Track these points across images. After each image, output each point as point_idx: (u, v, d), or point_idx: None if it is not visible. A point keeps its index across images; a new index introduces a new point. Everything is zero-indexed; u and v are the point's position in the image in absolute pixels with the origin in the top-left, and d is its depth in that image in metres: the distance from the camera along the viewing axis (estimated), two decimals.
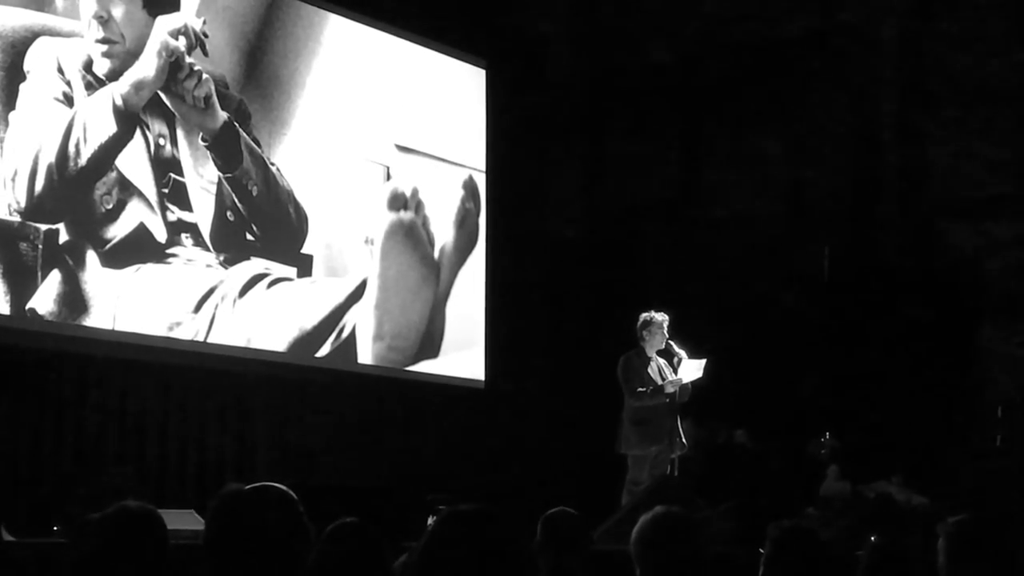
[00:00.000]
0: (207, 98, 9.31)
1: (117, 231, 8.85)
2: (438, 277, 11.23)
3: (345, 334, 10.33)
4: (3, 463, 8.37)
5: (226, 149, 9.51)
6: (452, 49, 11.72)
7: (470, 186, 11.68)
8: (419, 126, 11.24)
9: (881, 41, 12.68)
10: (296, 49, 10.32)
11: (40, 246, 8.42)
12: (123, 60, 8.93)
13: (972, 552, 3.57)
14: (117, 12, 8.90)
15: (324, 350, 10.17)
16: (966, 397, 12.01)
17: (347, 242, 10.51)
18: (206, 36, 9.35)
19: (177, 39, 9.13)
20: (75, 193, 8.64)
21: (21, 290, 8.34)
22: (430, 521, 7.60)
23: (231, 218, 9.56)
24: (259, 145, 9.81)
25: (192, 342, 9.25)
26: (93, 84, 8.76)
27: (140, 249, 8.96)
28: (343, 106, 10.61)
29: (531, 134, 12.84)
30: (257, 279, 9.72)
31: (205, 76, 9.30)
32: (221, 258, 9.49)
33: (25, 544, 6.62)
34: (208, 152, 9.40)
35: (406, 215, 10.95)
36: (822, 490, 11.08)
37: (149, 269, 9.01)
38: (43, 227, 8.46)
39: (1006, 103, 12.12)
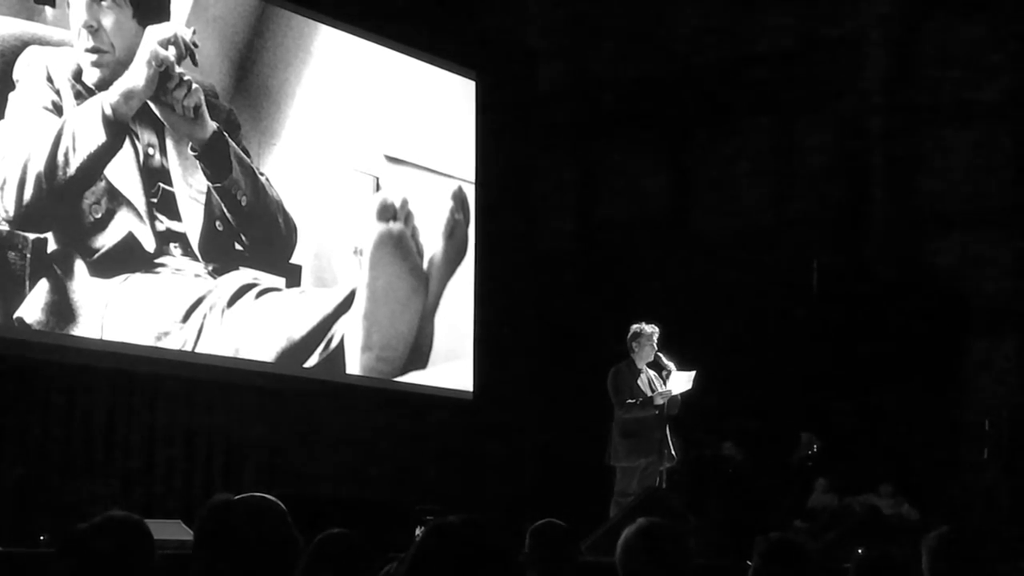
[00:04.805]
0: (197, 108, 9.31)
1: (105, 240, 8.83)
2: (427, 288, 11.22)
3: (333, 344, 10.32)
4: None
5: (215, 159, 9.50)
6: (442, 60, 11.74)
7: (459, 197, 11.69)
8: (408, 137, 11.25)
9: (869, 55, 12.73)
10: (286, 59, 10.32)
11: (28, 255, 8.41)
12: (113, 69, 8.92)
13: (954, 565, 3.57)
14: (107, 21, 8.89)
15: (312, 360, 10.16)
16: (953, 410, 12.04)
17: (336, 252, 10.50)
18: (196, 46, 9.35)
19: (167, 49, 9.13)
20: (64, 202, 8.63)
21: (9, 299, 8.32)
22: (418, 532, 7.60)
23: (220, 228, 9.55)
24: (248, 155, 9.81)
25: (180, 352, 9.23)
26: (82, 93, 8.75)
27: (128, 258, 8.95)
28: (333, 116, 10.61)
29: (520, 145, 12.85)
30: (246, 289, 9.71)
31: (195, 86, 9.30)
32: (210, 268, 9.47)
33: (11, 554, 6.59)
34: (197, 162, 9.39)
35: (395, 226, 10.94)
36: (810, 502, 11.10)
37: (137, 278, 9.00)
38: (31, 236, 8.45)
39: (994, 118, 12.16)
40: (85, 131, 8.72)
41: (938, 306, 12.17)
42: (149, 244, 9.08)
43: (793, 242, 12.75)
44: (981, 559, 3.55)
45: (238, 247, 9.70)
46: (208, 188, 9.47)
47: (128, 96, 8.95)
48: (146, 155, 9.10)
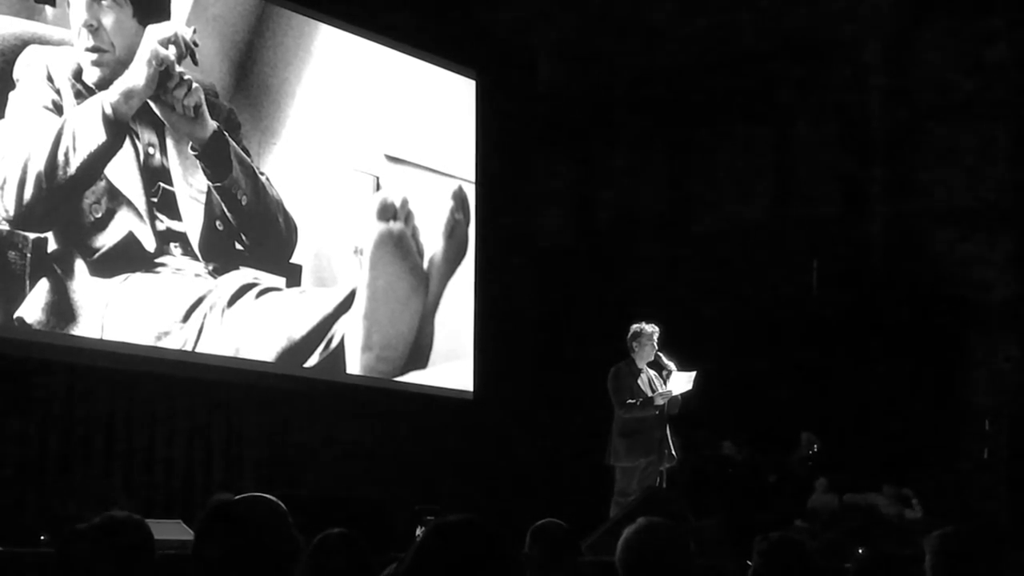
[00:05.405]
0: (197, 107, 9.30)
1: (106, 240, 8.83)
2: (427, 288, 11.22)
3: (334, 344, 10.32)
4: None
5: (215, 158, 9.50)
6: (442, 59, 11.74)
7: (460, 197, 11.69)
8: (409, 136, 11.25)
9: (868, 53, 12.73)
10: (286, 59, 10.32)
11: (29, 255, 8.40)
12: (113, 69, 8.92)
13: (957, 566, 3.57)
14: (107, 21, 8.89)
15: (312, 360, 10.16)
16: (954, 410, 12.04)
17: (336, 252, 10.50)
18: (196, 45, 9.34)
19: (167, 48, 9.13)
20: (64, 202, 8.63)
21: (9, 299, 8.32)
22: (419, 532, 7.60)
23: (220, 227, 9.55)
24: (249, 154, 9.81)
25: (180, 351, 9.23)
26: (83, 92, 8.74)
27: (129, 258, 8.94)
28: (333, 116, 10.61)
29: (521, 145, 12.85)
30: (246, 289, 9.71)
31: (195, 85, 9.30)
32: (210, 267, 9.47)
33: (11, 553, 6.59)
34: (197, 161, 9.39)
35: (395, 225, 10.94)
36: (810, 502, 11.09)
37: (138, 278, 9.00)
38: (32, 235, 8.44)
39: (993, 115, 12.16)
40: (85, 130, 8.71)
41: (938, 306, 12.17)
42: (149, 244, 9.07)
43: (793, 242, 12.75)
44: (984, 559, 3.55)
45: (238, 247, 9.70)
46: (208, 187, 9.47)
47: (128, 95, 8.95)
48: (146, 154, 9.10)
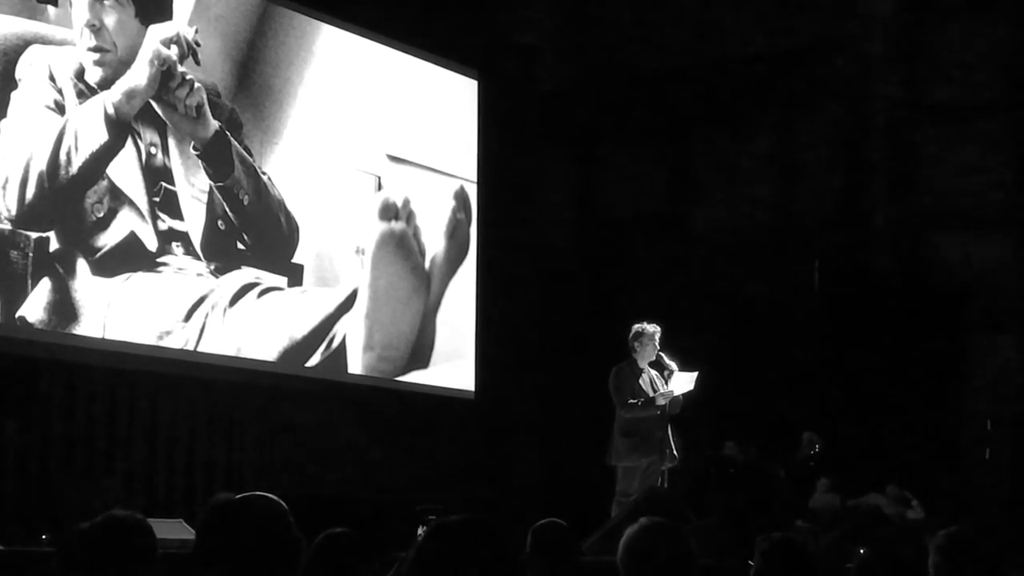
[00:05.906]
0: (199, 107, 9.31)
1: (108, 239, 8.84)
2: (429, 287, 11.23)
3: (335, 344, 10.32)
4: None
5: (217, 158, 9.51)
6: (444, 59, 11.74)
7: (461, 196, 11.69)
8: (411, 136, 11.25)
9: (870, 54, 12.72)
10: (288, 59, 10.33)
11: (31, 254, 8.41)
12: (115, 68, 8.93)
13: (962, 565, 3.57)
14: (109, 21, 8.89)
15: (314, 360, 10.16)
16: (955, 410, 12.03)
17: (338, 252, 10.51)
18: (198, 45, 9.35)
19: (169, 48, 9.13)
20: (66, 201, 8.63)
21: (11, 298, 8.32)
22: (420, 532, 7.60)
23: (222, 227, 9.56)
24: (250, 154, 9.81)
25: (182, 351, 9.24)
26: (85, 92, 8.75)
27: (131, 257, 8.95)
28: (335, 116, 10.61)
29: (522, 145, 12.85)
30: (248, 288, 9.72)
31: (197, 85, 9.30)
32: (212, 267, 9.48)
33: (14, 552, 6.60)
34: (199, 161, 9.40)
35: (397, 225, 10.95)
36: (811, 502, 11.08)
37: (139, 278, 9.00)
38: (34, 235, 8.45)
39: (995, 116, 12.15)
40: (87, 130, 8.72)
41: (940, 305, 12.16)
42: (151, 243, 9.08)
43: (794, 241, 12.75)
44: (989, 559, 3.55)
45: (240, 246, 9.70)
46: (210, 187, 9.48)
47: (130, 95, 8.96)
48: (148, 154, 9.11)
